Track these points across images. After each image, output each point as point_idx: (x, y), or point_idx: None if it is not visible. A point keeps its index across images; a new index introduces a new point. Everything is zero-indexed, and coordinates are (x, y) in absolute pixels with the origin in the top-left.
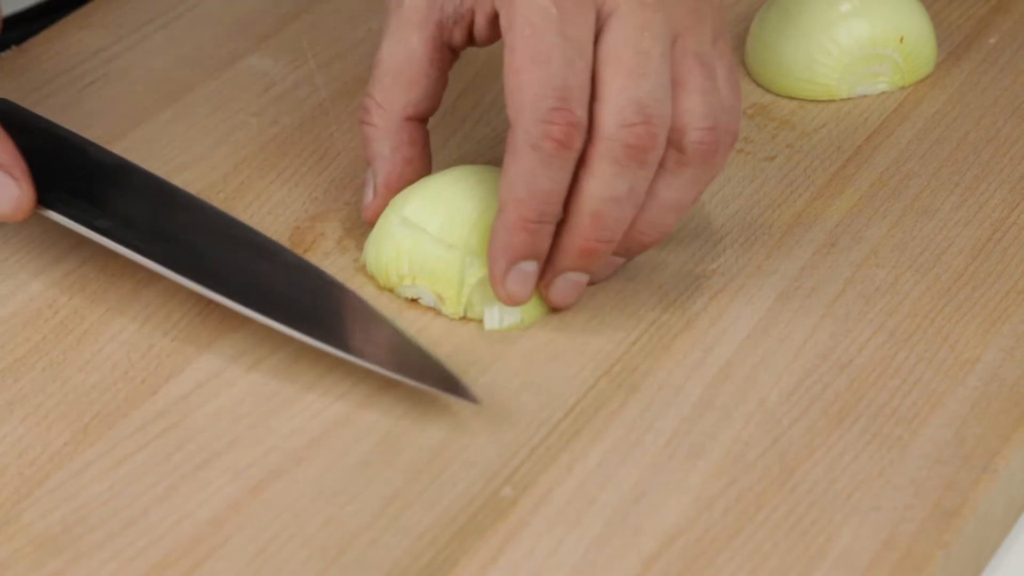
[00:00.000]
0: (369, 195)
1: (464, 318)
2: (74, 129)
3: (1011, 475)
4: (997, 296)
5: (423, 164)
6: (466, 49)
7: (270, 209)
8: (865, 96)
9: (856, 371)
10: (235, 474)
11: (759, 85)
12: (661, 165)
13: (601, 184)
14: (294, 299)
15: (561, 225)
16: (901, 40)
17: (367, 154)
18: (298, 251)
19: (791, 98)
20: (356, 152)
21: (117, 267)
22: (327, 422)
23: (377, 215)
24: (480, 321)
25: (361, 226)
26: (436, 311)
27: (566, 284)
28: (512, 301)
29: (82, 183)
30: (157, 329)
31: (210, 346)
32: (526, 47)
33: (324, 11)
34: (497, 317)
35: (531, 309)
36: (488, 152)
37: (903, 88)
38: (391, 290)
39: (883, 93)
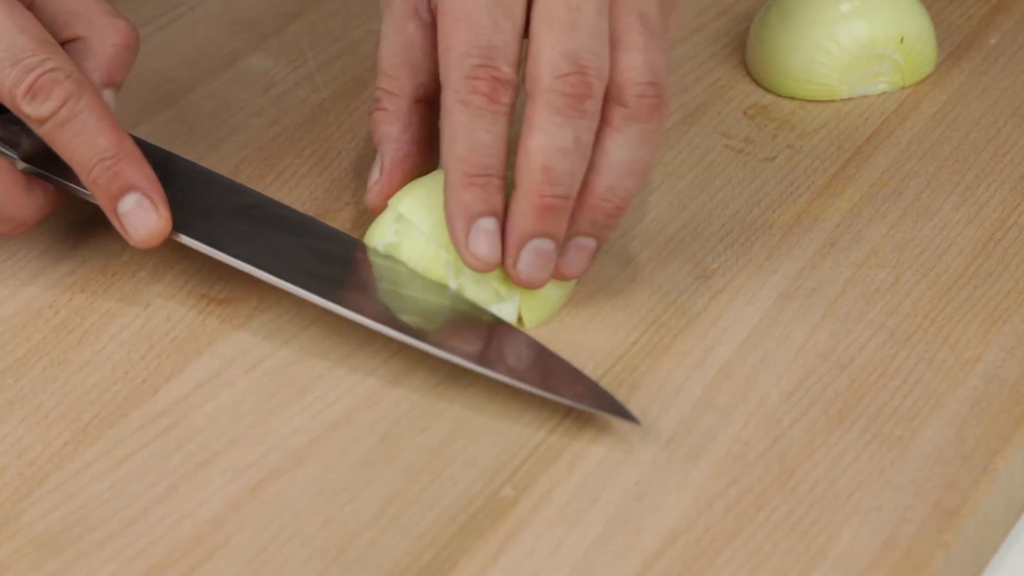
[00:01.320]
0: (375, 175)
1: None
2: None
3: (1011, 475)
4: (997, 296)
5: (431, 151)
6: None
7: None
8: (865, 96)
9: (856, 371)
10: (235, 474)
11: (759, 85)
12: (608, 123)
13: (545, 136)
14: (434, 319)
15: (513, 194)
16: (901, 40)
17: (376, 138)
18: None
19: (791, 98)
20: (356, 152)
21: (117, 267)
22: (327, 422)
23: (382, 199)
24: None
25: (362, 226)
26: None
27: (535, 256)
28: (479, 263)
29: (201, 205)
30: (157, 329)
31: (210, 346)
32: (454, 10)
33: (324, 11)
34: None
35: (530, 312)
36: None
37: (903, 88)
38: None
39: (883, 93)
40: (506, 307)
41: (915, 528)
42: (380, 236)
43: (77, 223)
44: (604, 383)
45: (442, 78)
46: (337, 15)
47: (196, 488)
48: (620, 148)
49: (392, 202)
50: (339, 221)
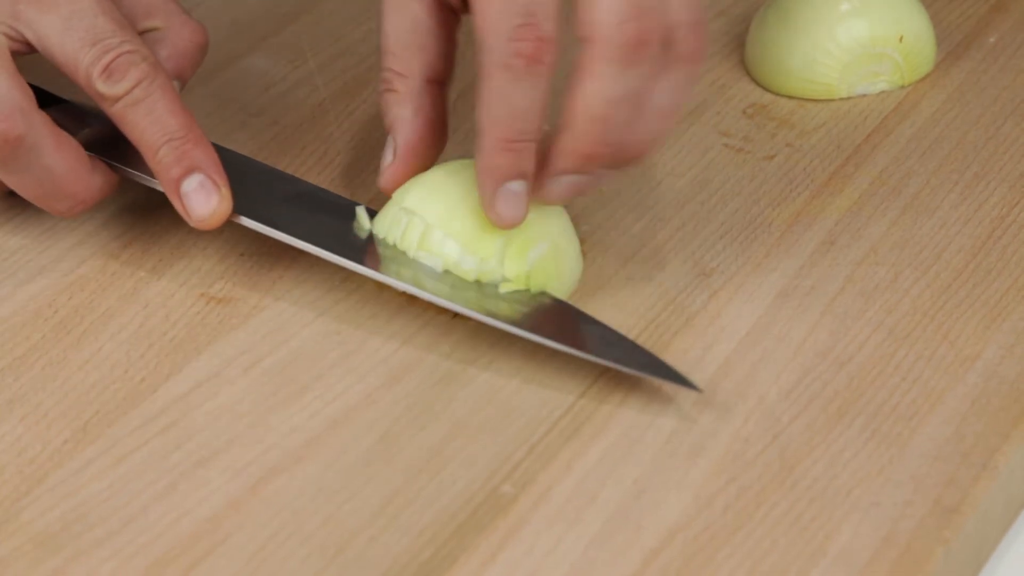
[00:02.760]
0: (388, 157)
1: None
2: None
3: (1011, 472)
4: (997, 294)
5: (443, 131)
6: (465, 25)
7: None
8: (865, 95)
9: (856, 369)
10: (234, 472)
11: (759, 84)
12: (652, 73)
13: (603, 85)
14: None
15: (559, 130)
16: (900, 39)
17: (388, 121)
18: (297, 251)
19: (791, 97)
20: (356, 152)
21: (117, 266)
22: (326, 421)
23: (395, 181)
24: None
25: None
26: (436, 310)
27: (564, 185)
28: (504, 223)
29: (259, 190)
30: (156, 328)
31: (209, 345)
32: None
33: (324, 11)
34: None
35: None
36: None
37: (903, 87)
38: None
39: (883, 92)
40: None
41: (915, 525)
42: (386, 229)
43: (77, 223)
44: (604, 381)
45: (480, 39)
46: (337, 15)
47: (195, 486)
48: (663, 92)
49: (397, 196)
50: None
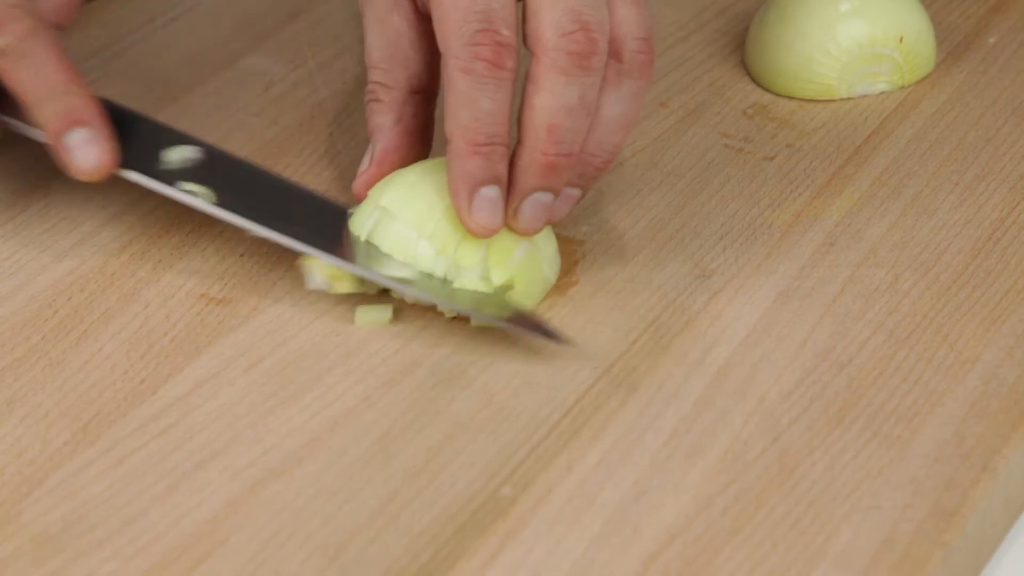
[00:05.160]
0: (365, 163)
1: (458, 317)
2: None
3: (1010, 474)
4: (997, 295)
5: (424, 141)
6: None
7: None
8: (865, 96)
9: (856, 370)
10: (234, 473)
11: (759, 85)
12: (603, 78)
13: (551, 95)
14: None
15: (517, 149)
16: (900, 40)
17: (369, 128)
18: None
19: (791, 98)
20: (356, 152)
21: (117, 267)
22: (326, 421)
23: (367, 187)
24: (463, 318)
25: None
26: (434, 311)
27: (533, 207)
28: (481, 232)
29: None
30: (156, 329)
31: (209, 346)
32: None
33: (324, 11)
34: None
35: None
36: None
37: (903, 88)
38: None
39: (882, 93)
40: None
41: (914, 527)
42: (361, 226)
43: (77, 223)
44: (603, 383)
45: (442, 47)
46: (337, 15)
47: (195, 487)
48: (613, 103)
49: (373, 193)
50: None
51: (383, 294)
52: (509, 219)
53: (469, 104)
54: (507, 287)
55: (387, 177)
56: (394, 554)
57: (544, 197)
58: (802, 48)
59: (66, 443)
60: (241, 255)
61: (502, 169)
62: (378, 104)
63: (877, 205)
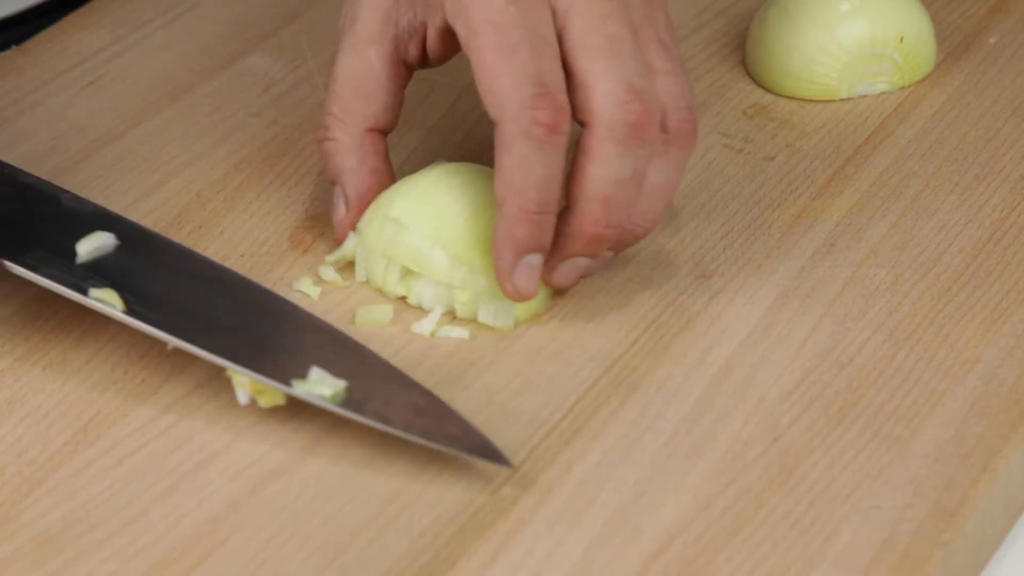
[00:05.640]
0: (341, 210)
1: (455, 317)
2: (74, 129)
3: (1010, 474)
4: (997, 296)
5: (388, 175)
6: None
7: (270, 209)
8: (865, 96)
9: (856, 370)
10: (234, 473)
11: (759, 85)
12: (652, 154)
13: (606, 167)
14: (288, 345)
15: (564, 214)
16: (901, 40)
17: (331, 170)
18: (297, 251)
19: (791, 98)
20: None
21: None
22: (327, 422)
23: (350, 229)
24: (476, 321)
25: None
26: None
27: (571, 268)
28: (520, 296)
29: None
30: None
31: None
32: (492, 44)
33: (324, 11)
34: (492, 313)
35: (525, 309)
36: (488, 152)
37: (903, 88)
38: (382, 291)
39: (883, 93)
40: (507, 306)
41: (914, 527)
42: (374, 239)
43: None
44: (604, 383)
45: (494, 114)
46: (337, 15)
47: (195, 487)
48: (659, 173)
49: (382, 203)
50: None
51: (383, 295)
52: (545, 274)
53: (525, 169)
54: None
55: (395, 186)
56: (394, 554)
57: (583, 261)
58: (802, 48)
59: (66, 443)
60: (241, 255)
61: (548, 238)
62: (335, 144)
63: (877, 205)
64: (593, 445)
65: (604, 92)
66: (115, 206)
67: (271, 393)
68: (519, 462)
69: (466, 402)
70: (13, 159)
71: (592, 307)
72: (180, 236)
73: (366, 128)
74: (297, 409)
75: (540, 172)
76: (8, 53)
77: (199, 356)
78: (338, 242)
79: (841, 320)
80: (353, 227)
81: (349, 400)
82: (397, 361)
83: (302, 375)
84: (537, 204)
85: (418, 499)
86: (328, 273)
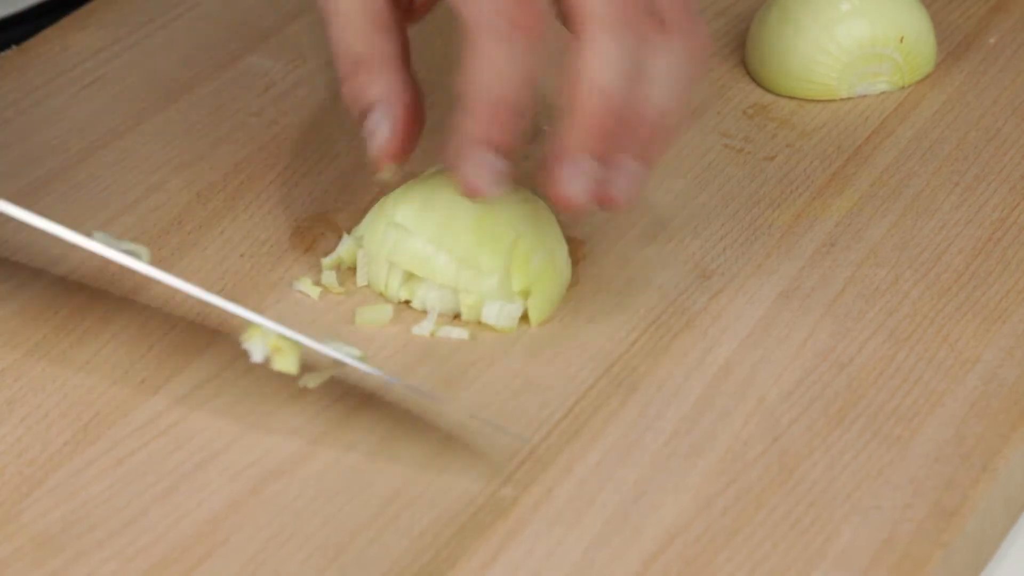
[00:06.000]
0: (385, 129)
1: (457, 317)
2: (74, 129)
3: (1011, 474)
4: (997, 296)
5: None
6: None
7: (270, 209)
8: (865, 96)
9: (856, 370)
10: (234, 473)
11: (759, 85)
12: (647, 41)
13: (598, 53)
14: None
15: (564, 122)
16: (901, 40)
17: (367, 100)
18: (298, 251)
19: (791, 98)
20: (357, 152)
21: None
22: (327, 422)
23: (399, 152)
24: (478, 322)
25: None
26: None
27: (575, 171)
28: (469, 190)
29: None
30: (157, 329)
31: (210, 346)
32: None
33: None
34: (495, 314)
35: (537, 311)
36: None
37: (903, 88)
38: (383, 295)
39: (883, 93)
40: (512, 307)
41: (914, 527)
42: (376, 245)
43: (77, 223)
44: (604, 383)
45: (468, 12)
46: None
47: (196, 487)
48: (664, 62)
49: (386, 210)
50: (339, 221)
51: (383, 295)
52: (550, 185)
53: (487, 62)
54: (525, 293)
55: (396, 192)
56: (395, 554)
57: (588, 163)
58: (802, 48)
59: (66, 443)
60: (241, 255)
61: (510, 139)
62: (373, 77)
63: (877, 205)
64: (593, 445)
65: None
66: (115, 206)
67: (286, 355)
68: (519, 462)
69: (466, 402)
70: (13, 159)
71: (592, 307)
72: (180, 236)
73: (403, 60)
74: (297, 409)
75: (503, 65)
76: (8, 53)
77: (225, 309)
78: (386, 160)
79: (841, 320)
80: (401, 149)
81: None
82: (397, 361)
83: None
84: (498, 99)
85: (418, 499)
86: (328, 278)
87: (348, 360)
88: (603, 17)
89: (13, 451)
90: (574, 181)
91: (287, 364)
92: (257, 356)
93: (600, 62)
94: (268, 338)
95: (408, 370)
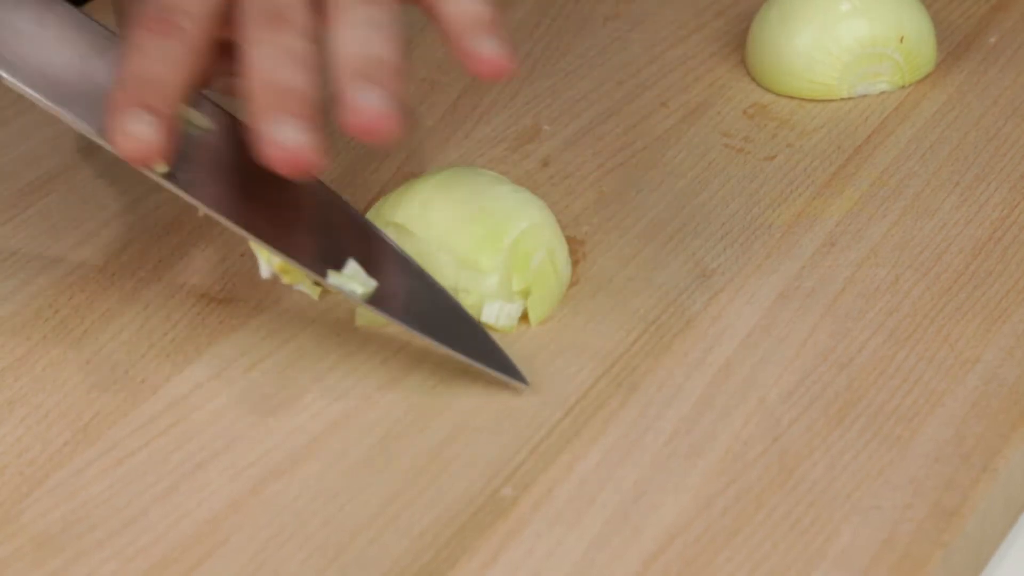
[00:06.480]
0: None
1: None
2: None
3: (1011, 474)
4: (997, 295)
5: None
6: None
7: None
8: (865, 95)
9: (856, 370)
10: (235, 473)
11: (759, 85)
12: (328, 17)
13: (256, 55)
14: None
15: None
16: (901, 40)
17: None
18: None
19: (791, 98)
20: (356, 152)
21: (117, 267)
22: (327, 422)
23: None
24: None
25: None
26: None
27: (364, 96)
28: (126, 151)
29: None
30: (157, 329)
31: (210, 346)
32: None
33: None
34: (495, 314)
35: (536, 311)
36: (488, 152)
37: (903, 88)
38: None
39: (883, 93)
40: (512, 307)
41: (914, 527)
42: None
43: (78, 223)
44: (603, 383)
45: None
46: None
47: (196, 487)
48: (351, 28)
49: (386, 211)
50: None
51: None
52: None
53: (136, 52)
54: (525, 292)
55: (397, 192)
56: (395, 554)
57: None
58: (803, 48)
59: (66, 443)
60: (241, 255)
61: (166, 103)
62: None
63: (878, 205)
64: (593, 445)
65: None
66: (115, 206)
67: (294, 273)
68: (519, 462)
69: (466, 402)
70: (13, 159)
71: (592, 307)
72: (181, 236)
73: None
74: (298, 409)
75: (151, 56)
76: None
77: (229, 228)
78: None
79: (841, 320)
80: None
81: (376, 299)
82: (397, 361)
83: (337, 267)
84: (146, 86)
85: (418, 499)
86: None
87: (351, 296)
88: (252, 16)
89: (13, 451)
90: (366, 102)
91: (296, 278)
92: (264, 272)
93: (257, 60)
94: (273, 259)
95: (408, 369)
